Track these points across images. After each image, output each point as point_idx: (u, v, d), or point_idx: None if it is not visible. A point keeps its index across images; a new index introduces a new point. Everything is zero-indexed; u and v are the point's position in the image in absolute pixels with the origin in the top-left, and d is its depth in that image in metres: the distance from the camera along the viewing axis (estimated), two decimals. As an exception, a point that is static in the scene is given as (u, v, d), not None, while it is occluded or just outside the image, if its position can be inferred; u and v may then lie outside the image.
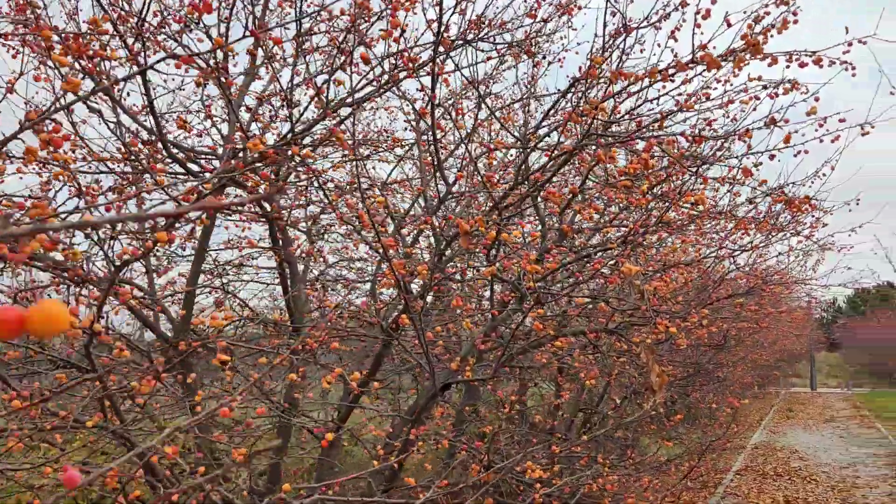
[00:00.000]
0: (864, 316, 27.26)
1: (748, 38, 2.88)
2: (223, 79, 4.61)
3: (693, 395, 10.79)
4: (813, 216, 5.76)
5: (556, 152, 4.12)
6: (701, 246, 5.07)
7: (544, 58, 5.17)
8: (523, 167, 4.06)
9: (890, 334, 21.81)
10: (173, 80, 6.31)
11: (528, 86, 6.01)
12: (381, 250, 3.17)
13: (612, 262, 3.93)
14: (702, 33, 3.84)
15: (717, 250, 5.39)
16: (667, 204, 3.95)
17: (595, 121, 3.81)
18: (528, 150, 4.13)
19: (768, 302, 8.96)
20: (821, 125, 4.55)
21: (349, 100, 5.02)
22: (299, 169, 5.44)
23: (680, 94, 3.89)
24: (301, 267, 6.91)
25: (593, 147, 3.81)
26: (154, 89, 5.34)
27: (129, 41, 3.68)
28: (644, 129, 4.10)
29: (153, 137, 4.76)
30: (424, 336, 3.41)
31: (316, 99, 4.14)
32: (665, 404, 11.19)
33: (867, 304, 24.17)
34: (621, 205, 4.60)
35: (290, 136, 4.41)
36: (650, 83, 3.82)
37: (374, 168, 6.92)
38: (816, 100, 3.56)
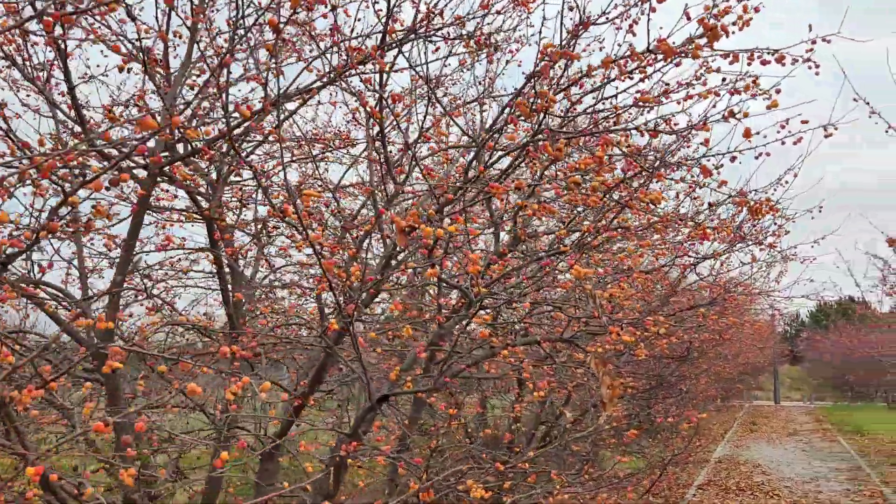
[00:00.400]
0: (827, 330, 27.51)
1: (705, 22, 2.67)
2: (150, 64, 4.31)
3: (655, 407, 10.63)
4: (776, 223, 5.60)
5: (501, 150, 3.89)
6: (660, 252, 4.87)
7: (496, 49, 4.95)
8: (473, 164, 3.82)
9: (851, 348, 21.99)
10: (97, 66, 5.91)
11: (485, 85, 5.79)
12: (315, 250, 2.89)
13: (563, 266, 3.69)
14: (660, 28, 3.64)
15: (674, 258, 5.19)
16: (621, 204, 3.73)
17: (547, 115, 3.58)
18: (479, 148, 3.89)
19: (731, 313, 8.83)
20: (783, 126, 4.39)
21: (295, 93, 4.75)
22: (241, 168, 5.15)
23: (638, 91, 3.69)
24: (250, 271, 6.59)
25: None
26: (82, 77, 5.01)
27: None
28: (599, 126, 3.89)
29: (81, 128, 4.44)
30: (357, 344, 3.13)
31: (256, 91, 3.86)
32: (628, 417, 11.00)
33: (829, 318, 24.38)
34: (578, 208, 4.38)
35: (225, 129, 4.12)
36: (605, 78, 3.62)
37: (327, 170, 6.63)
38: (777, 91, 3.37)
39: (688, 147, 4.95)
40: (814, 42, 4.03)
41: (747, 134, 3.17)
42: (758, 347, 13.68)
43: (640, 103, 3.36)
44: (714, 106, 3.51)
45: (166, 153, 4.36)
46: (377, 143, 4.05)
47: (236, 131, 4.26)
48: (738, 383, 17.07)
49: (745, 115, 3.27)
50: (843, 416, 26.98)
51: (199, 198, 5.02)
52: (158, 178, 4.64)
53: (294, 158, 5.87)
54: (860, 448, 17.95)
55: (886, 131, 5.83)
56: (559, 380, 6.89)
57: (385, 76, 4.03)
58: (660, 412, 10.54)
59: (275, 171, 5.44)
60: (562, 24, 3.78)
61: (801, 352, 41.28)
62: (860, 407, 32.37)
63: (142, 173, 4.53)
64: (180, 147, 4.43)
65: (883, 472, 14.00)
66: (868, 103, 5.84)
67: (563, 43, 3.76)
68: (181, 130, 4.01)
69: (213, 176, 4.99)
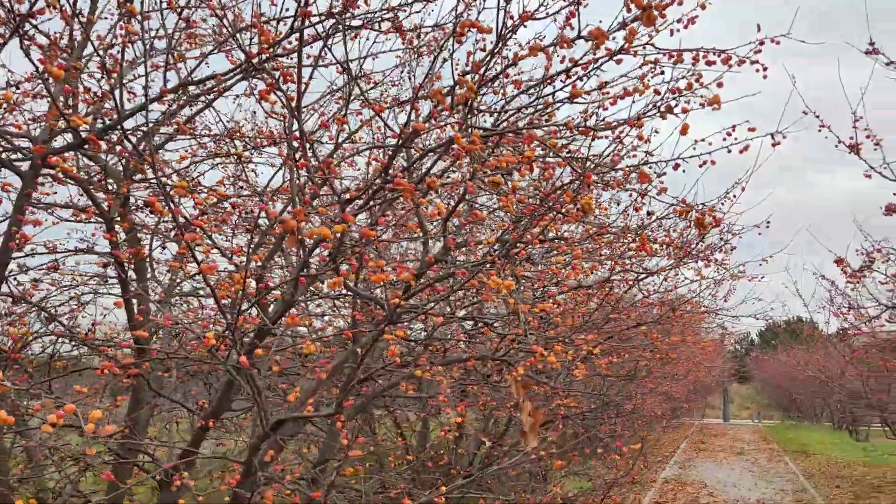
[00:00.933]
0: (776, 350, 27.79)
1: (638, 0, 2.34)
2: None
3: (601, 428, 10.33)
4: (723, 239, 5.34)
5: (427, 150, 3.52)
6: (595, 265, 4.54)
7: (419, 36, 4.59)
8: (392, 163, 3.44)
9: (798, 368, 22.17)
10: None
11: (423, 85, 5.42)
12: (194, 255, 2.48)
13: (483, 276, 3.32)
14: (600, 21, 3.33)
15: (614, 273, 4.87)
16: (555, 211, 3.39)
17: (472, 111, 3.23)
18: (399, 147, 3.51)
19: (679, 331, 8.59)
20: (729, 134, 4.11)
21: (199, 81, 4.32)
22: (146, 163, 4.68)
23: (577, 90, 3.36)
24: (168, 279, 6.09)
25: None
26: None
27: None
28: (531, 124, 3.55)
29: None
30: (250, 365, 2.71)
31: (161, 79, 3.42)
32: (575, 436, 10.69)
33: (778, 338, 24.61)
34: (513, 215, 4.02)
35: (118, 117, 3.67)
36: (546, 75, 3.28)
37: (254, 170, 6.17)
38: (719, 86, 3.06)
39: (632, 155, 4.66)
40: (762, 43, 3.77)
41: (685, 130, 2.86)
42: (706, 367, 13.52)
43: (573, 98, 3.02)
44: (655, 106, 3.19)
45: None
46: (295, 143, 3.65)
47: (129, 121, 3.81)
48: (686, 403, 16.91)
49: (686, 112, 2.95)
50: (789, 435, 27.19)
51: (100, 194, 4.54)
52: (45, 171, 4.16)
53: (214, 155, 5.41)
54: (805, 469, 17.97)
55: (836, 146, 5.62)
56: (497, 399, 6.52)
57: (310, 70, 3.65)
58: (606, 433, 10.26)
59: (186, 169, 4.98)
60: (498, 16, 3.44)
61: (749, 371, 41.76)
62: (806, 427, 32.75)
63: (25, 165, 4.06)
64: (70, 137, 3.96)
65: (828, 494, 13.94)
66: (818, 116, 5.64)
67: (501, 35, 3.42)
68: (67, 118, 3.55)
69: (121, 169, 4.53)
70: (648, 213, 3.54)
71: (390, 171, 3.33)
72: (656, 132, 4.27)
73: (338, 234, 2.52)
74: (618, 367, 9.23)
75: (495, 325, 3.76)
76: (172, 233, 4.68)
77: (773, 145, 4.00)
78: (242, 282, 2.45)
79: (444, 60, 5.48)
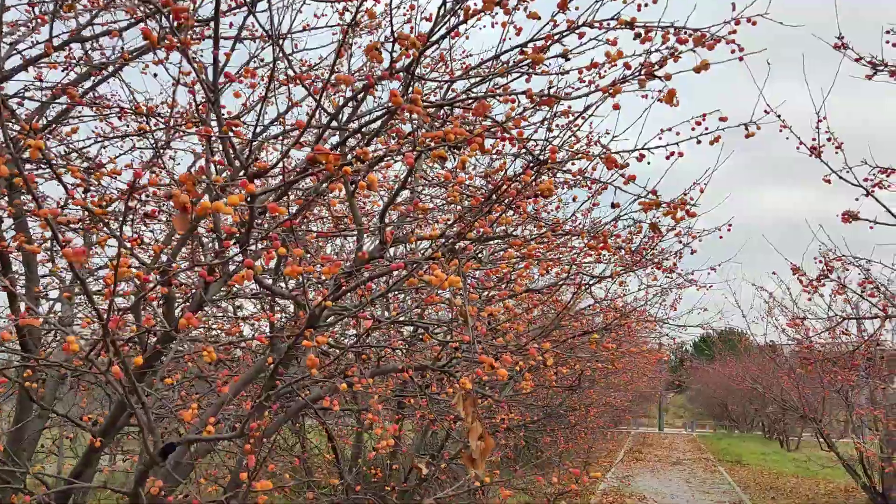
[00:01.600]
0: (713, 360, 28.12)
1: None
2: None
3: (545, 440, 9.96)
4: (680, 242, 5.00)
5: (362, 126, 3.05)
6: (547, 264, 4.11)
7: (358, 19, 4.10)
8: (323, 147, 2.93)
9: (732, 378, 22.38)
10: None
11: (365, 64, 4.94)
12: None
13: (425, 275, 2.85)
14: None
15: (570, 275, 4.46)
16: (506, 205, 2.93)
17: (415, 78, 2.76)
18: (328, 123, 3.01)
19: (627, 340, 8.27)
20: (698, 123, 3.74)
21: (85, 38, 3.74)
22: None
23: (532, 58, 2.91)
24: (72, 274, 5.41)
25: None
26: None
27: None
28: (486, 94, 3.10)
29: None
30: (130, 376, 2.17)
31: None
32: (514, 448, 10.29)
33: (715, 348, 24.88)
34: (459, 205, 3.57)
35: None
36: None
37: (172, 157, 5.56)
38: (697, 70, 2.64)
39: (593, 144, 4.25)
40: (738, 23, 3.41)
41: (670, 98, 2.44)
42: (648, 377, 13.35)
43: (534, 66, 2.58)
44: (635, 70, 2.77)
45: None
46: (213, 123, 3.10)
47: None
48: (627, 413, 16.77)
49: (668, 78, 2.53)
50: (722, 445, 27.48)
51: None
52: None
53: (123, 136, 4.79)
54: (741, 480, 18.01)
55: (797, 147, 5.34)
56: (436, 411, 6.04)
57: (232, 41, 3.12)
58: (547, 445, 9.89)
59: (86, 149, 4.35)
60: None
61: (684, 381, 42.32)
62: (738, 436, 33.27)
63: None
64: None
65: (765, 506, 13.91)
66: (780, 116, 5.36)
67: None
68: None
69: None
70: (613, 205, 3.12)
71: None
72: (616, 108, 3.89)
73: (235, 209, 2.00)
74: (565, 377, 8.87)
75: (436, 331, 3.28)
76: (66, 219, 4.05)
77: (747, 136, 3.64)
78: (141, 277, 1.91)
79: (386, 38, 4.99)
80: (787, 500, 14.95)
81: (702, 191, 5.38)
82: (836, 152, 5.42)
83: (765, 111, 5.46)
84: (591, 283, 5.37)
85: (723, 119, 3.65)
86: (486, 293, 3.70)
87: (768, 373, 18.61)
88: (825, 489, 16.42)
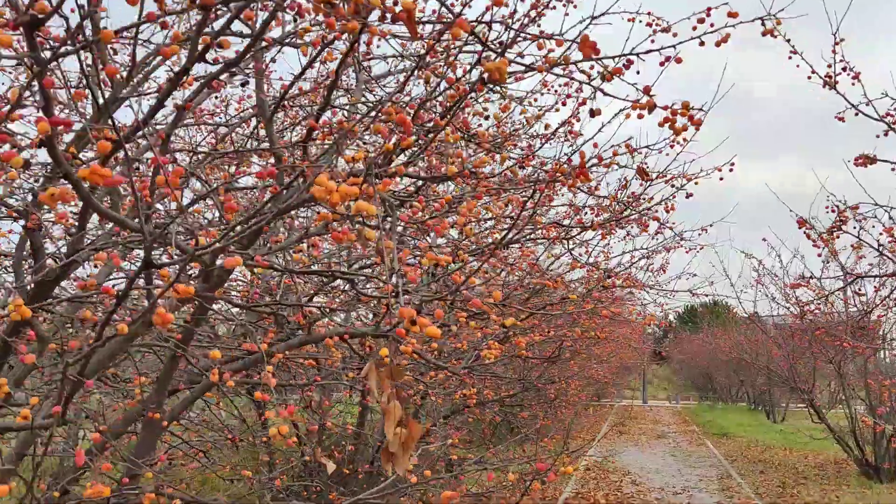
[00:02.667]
0: (698, 330, 27.64)
1: None
2: None
3: (522, 415, 9.29)
4: (674, 185, 4.25)
5: None
6: (510, 198, 3.34)
7: None
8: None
9: (718, 349, 21.86)
10: None
11: None
12: None
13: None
14: None
15: (544, 221, 3.70)
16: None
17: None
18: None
19: (609, 306, 7.56)
20: (701, 21, 2.99)
21: None
22: None
23: None
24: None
25: None
26: None
27: None
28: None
29: None
30: None
31: None
32: (490, 424, 9.62)
33: (697, 320, 24.35)
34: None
35: None
36: None
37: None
38: None
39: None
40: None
41: None
42: (633, 347, 12.71)
43: None
44: None
45: None
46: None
47: None
48: (612, 387, 16.17)
49: None
50: (707, 417, 27.10)
51: None
52: None
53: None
54: (727, 453, 17.53)
55: (809, 77, 4.59)
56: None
57: None
58: (525, 420, 9.24)
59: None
60: None
61: (668, 352, 42.01)
62: (723, 408, 32.97)
63: None
64: None
65: (755, 481, 13.37)
66: (789, 40, 4.60)
67: None
68: None
69: None
70: (592, 113, 2.35)
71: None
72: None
73: None
74: (540, 347, 8.17)
75: (364, 282, 2.52)
76: None
77: (764, 34, 2.88)
78: None
79: None
80: (776, 472, 14.44)
81: (697, 128, 4.66)
82: (853, 83, 4.68)
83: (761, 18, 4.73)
84: (568, 234, 4.63)
85: (732, 15, 2.89)
86: (429, 237, 2.95)
87: (756, 343, 18.10)
88: (814, 462, 15.95)
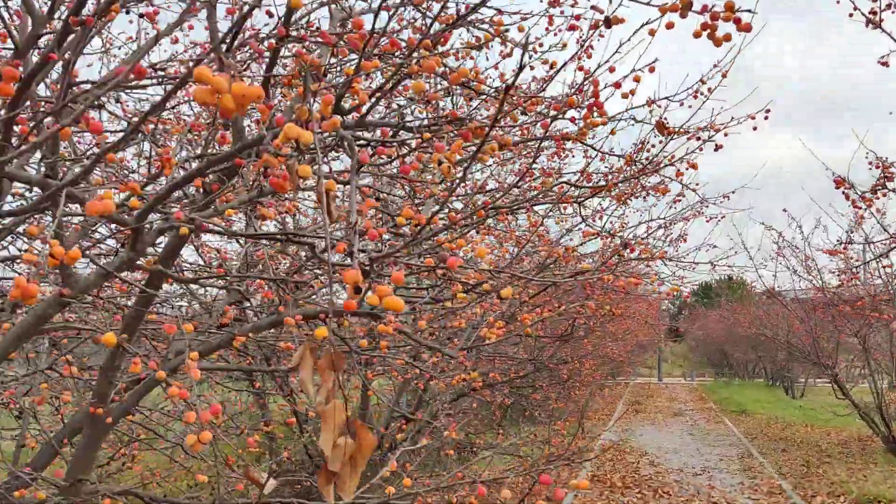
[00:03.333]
0: (715, 306, 27.04)
1: None
2: None
3: (534, 396, 8.85)
4: (699, 138, 3.74)
5: None
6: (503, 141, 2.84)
7: None
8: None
9: (736, 324, 21.27)
10: None
11: None
12: None
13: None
14: None
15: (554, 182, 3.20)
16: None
17: None
18: None
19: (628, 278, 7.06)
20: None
21: None
22: None
23: None
24: None
25: None
26: None
27: None
28: None
29: None
30: None
31: None
32: (500, 407, 9.17)
33: (715, 294, 23.70)
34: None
35: None
36: None
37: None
38: None
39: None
40: None
41: None
42: (650, 324, 12.18)
43: None
44: None
45: None
46: None
47: None
48: (627, 365, 15.68)
49: None
50: (724, 394, 26.60)
51: None
52: None
53: None
54: (747, 431, 17.05)
55: (851, 15, 4.05)
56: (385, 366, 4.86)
57: None
58: (538, 403, 8.79)
59: None
60: None
61: (685, 328, 41.46)
62: (740, 384, 32.44)
63: None
64: None
65: (777, 460, 12.89)
66: None
67: None
68: None
69: None
70: (608, 23, 1.85)
71: None
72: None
73: None
74: (552, 325, 7.70)
75: (312, 242, 2.05)
76: None
77: None
78: None
79: None
80: (798, 451, 13.95)
81: (724, 75, 4.13)
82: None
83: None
84: (582, 195, 4.13)
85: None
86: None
87: (776, 318, 17.54)
88: (837, 439, 15.44)
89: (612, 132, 3.19)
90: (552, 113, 2.43)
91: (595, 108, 1.96)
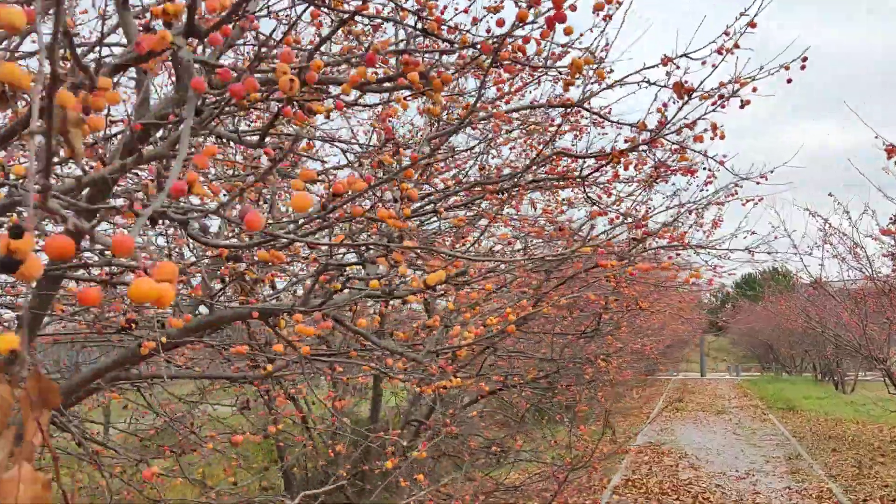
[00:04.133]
0: (759, 298, 25.93)
1: None
2: None
3: (559, 398, 8.26)
4: (723, 96, 3.14)
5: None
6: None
7: None
8: None
9: (782, 317, 20.26)
10: None
11: None
12: None
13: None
14: None
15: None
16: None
17: None
18: None
19: (646, 271, 6.46)
20: None
21: None
22: None
23: None
24: None
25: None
26: None
27: None
28: None
29: None
30: None
31: None
32: (516, 412, 8.60)
33: (765, 286, 22.65)
34: None
35: None
36: None
37: None
38: None
39: None
40: None
41: None
42: (685, 318, 11.43)
43: None
44: None
45: None
46: None
47: None
48: (662, 362, 14.90)
49: None
50: (771, 390, 25.56)
51: None
52: None
53: None
54: (795, 430, 16.19)
55: None
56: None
57: None
58: (559, 404, 8.22)
59: None
60: None
61: (727, 321, 40.21)
62: (787, 379, 31.26)
63: None
64: None
65: (827, 461, 12.08)
66: None
67: None
68: None
69: None
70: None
71: None
72: None
73: None
74: (576, 323, 7.12)
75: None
76: None
77: None
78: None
79: None
80: (849, 450, 13.10)
81: (752, 25, 3.51)
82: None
83: None
84: (590, 175, 3.56)
85: None
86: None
87: (824, 310, 16.61)
88: (891, 436, 14.51)
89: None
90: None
91: (555, 22, 1.42)
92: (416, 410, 7.57)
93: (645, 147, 3.14)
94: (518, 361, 7.47)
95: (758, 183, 6.72)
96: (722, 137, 3.71)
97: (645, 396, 21.43)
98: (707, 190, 6.64)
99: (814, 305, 17.25)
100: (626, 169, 3.84)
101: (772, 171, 6.66)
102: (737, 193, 6.10)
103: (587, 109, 3.30)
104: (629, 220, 4.47)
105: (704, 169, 4.21)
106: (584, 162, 3.33)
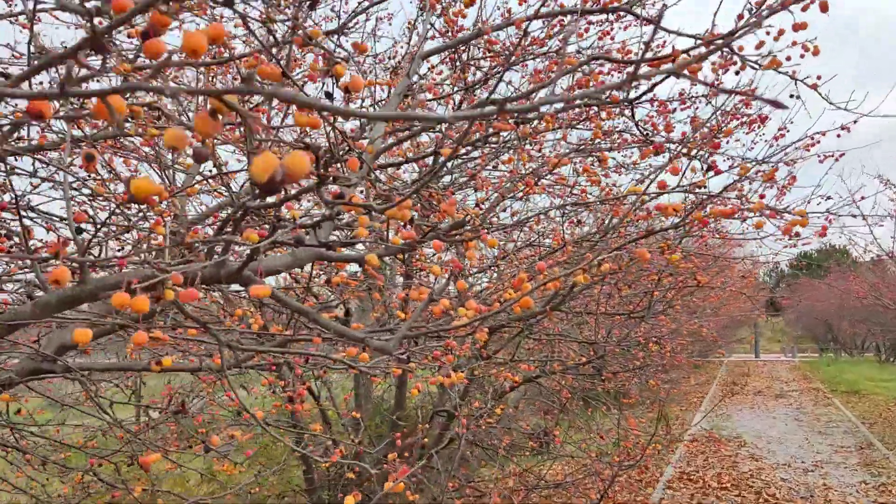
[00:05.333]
0: (822, 276, 24.47)
1: None
2: None
3: (604, 386, 7.41)
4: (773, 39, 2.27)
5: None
6: None
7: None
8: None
9: (849, 294, 18.87)
10: None
11: None
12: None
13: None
14: None
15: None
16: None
17: None
18: None
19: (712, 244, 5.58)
20: None
21: None
22: None
23: None
24: None
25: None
26: None
27: None
28: None
29: None
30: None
31: None
32: (557, 402, 7.73)
33: (815, 265, 21.22)
34: None
35: None
36: None
37: None
38: None
39: None
40: None
41: None
42: (747, 296, 10.41)
43: None
44: None
45: None
46: None
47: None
48: (719, 344, 13.83)
49: None
50: (832, 372, 24.17)
51: None
52: None
53: None
54: (861, 414, 15.01)
55: None
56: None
57: None
58: (605, 393, 7.37)
59: None
60: None
61: (781, 302, 38.56)
62: (848, 361, 29.69)
63: None
64: None
65: (904, 452, 10.99)
66: None
67: None
68: None
69: None
70: None
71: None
72: None
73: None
74: (623, 302, 6.27)
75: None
76: None
77: None
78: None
79: None
80: (927, 440, 11.96)
81: None
82: None
83: None
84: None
85: None
86: None
87: (894, 285, 15.34)
88: (973, 423, 13.29)
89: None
90: None
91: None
92: (447, 401, 6.83)
93: (723, 52, 2.29)
94: (560, 345, 6.66)
95: (839, 136, 5.82)
96: (815, 53, 2.82)
97: (696, 381, 20.34)
98: (777, 145, 5.75)
99: (884, 282, 15.98)
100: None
101: (854, 122, 5.73)
102: (819, 141, 5.14)
103: (635, 14, 2.45)
104: (693, 162, 3.58)
105: (792, 97, 3.30)
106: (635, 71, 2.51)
